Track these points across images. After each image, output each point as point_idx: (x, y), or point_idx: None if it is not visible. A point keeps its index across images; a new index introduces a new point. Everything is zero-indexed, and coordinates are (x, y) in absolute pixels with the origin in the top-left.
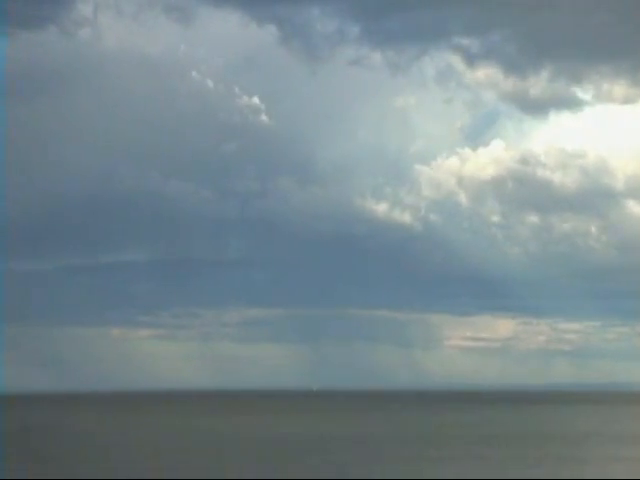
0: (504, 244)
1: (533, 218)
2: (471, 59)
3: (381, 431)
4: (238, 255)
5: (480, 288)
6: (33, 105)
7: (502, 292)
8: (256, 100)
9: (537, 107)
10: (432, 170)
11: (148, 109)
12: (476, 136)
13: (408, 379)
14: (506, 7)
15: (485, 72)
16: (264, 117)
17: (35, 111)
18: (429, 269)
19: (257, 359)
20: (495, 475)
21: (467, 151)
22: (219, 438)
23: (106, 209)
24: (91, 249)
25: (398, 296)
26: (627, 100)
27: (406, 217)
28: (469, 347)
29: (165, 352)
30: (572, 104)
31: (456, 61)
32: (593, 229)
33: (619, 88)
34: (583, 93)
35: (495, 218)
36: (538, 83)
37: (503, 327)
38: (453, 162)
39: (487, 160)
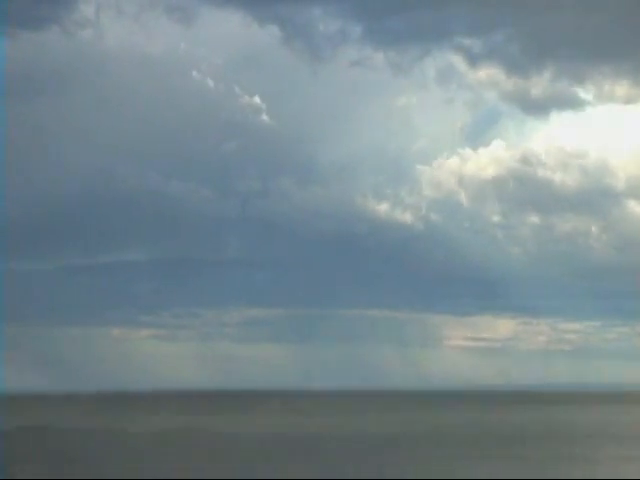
0: (505, 244)
1: (534, 218)
2: (473, 59)
3: (408, 431)
4: (239, 255)
5: (481, 288)
6: (34, 105)
7: (503, 292)
8: (257, 100)
9: (538, 107)
10: (433, 170)
11: (148, 109)
12: (477, 136)
13: (408, 379)
14: (509, 7)
15: (487, 72)
16: (265, 117)
17: (35, 111)
18: (430, 269)
19: (258, 359)
20: (533, 475)
21: (468, 151)
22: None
23: (107, 209)
24: (91, 249)
25: (399, 296)
26: (629, 100)
27: (407, 217)
28: (469, 347)
29: (166, 352)
30: (573, 104)
31: (458, 61)
32: (594, 229)
33: (621, 88)
34: (585, 93)
35: (496, 218)
36: (540, 83)
37: (503, 327)
38: (454, 162)
39: (488, 160)
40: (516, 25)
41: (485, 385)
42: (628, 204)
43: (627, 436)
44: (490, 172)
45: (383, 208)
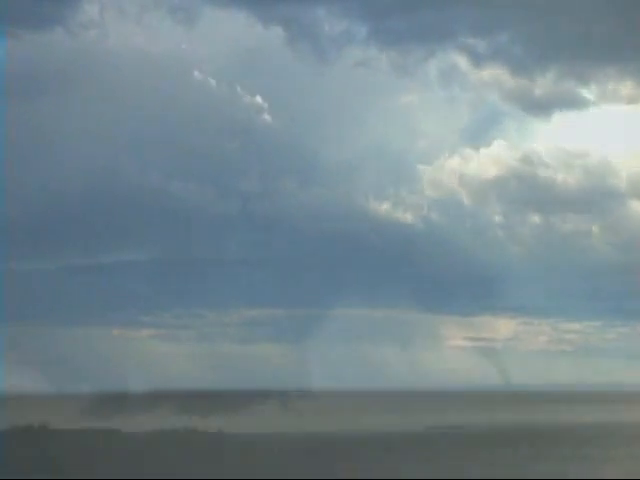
0: (506, 243)
1: (535, 218)
2: (477, 59)
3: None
4: (240, 255)
5: (481, 288)
6: (36, 104)
7: (503, 292)
8: (259, 99)
9: (541, 107)
10: (434, 170)
11: (150, 108)
12: (479, 136)
13: (409, 379)
14: (513, 8)
15: (490, 72)
16: (267, 116)
17: (37, 110)
18: (431, 269)
19: (259, 359)
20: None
21: (469, 151)
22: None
23: (108, 209)
24: (92, 249)
25: (399, 296)
26: (632, 100)
27: (408, 216)
28: (470, 347)
29: (166, 352)
30: (576, 104)
31: (462, 61)
32: (595, 229)
33: (625, 88)
34: (588, 93)
35: (497, 218)
36: (543, 83)
37: (504, 327)
38: (455, 162)
39: (489, 160)
40: (520, 26)
41: (485, 385)
42: (630, 204)
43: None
44: (491, 172)
45: (384, 208)
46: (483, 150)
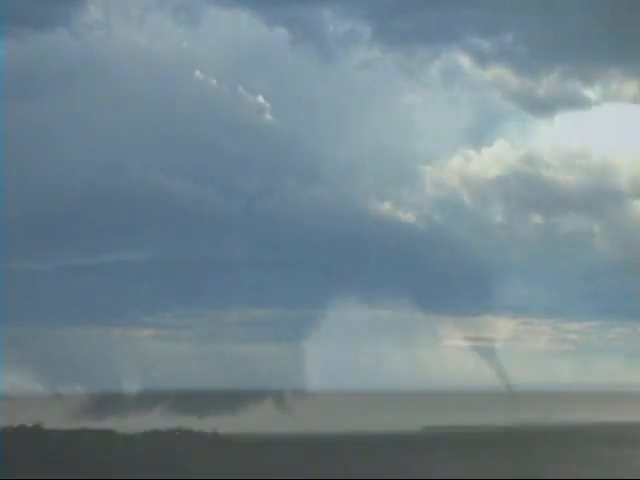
0: (507, 243)
1: (537, 218)
2: (481, 60)
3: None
4: (242, 255)
5: (482, 288)
6: (38, 104)
7: (504, 292)
8: (261, 99)
9: (543, 107)
10: (436, 170)
11: (151, 108)
12: (480, 136)
13: (408, 379)
14: (519, 8)
15: (493, 72)
16: (269, 116)
17: (39, 110)
18: (432, 268)
19: (259, 359)
20: None
21: (471, 151)
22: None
23: (109, 208)
24: (93, 249)
25: (400, 296)
26: (636, 100)
27: (409, 216)
28: (470, 347)
29: (167, 352)
30: (579, 104)
31: (466, 62)
32: (597, 229)
33: (628, 88)
34: (591, 93)
35: (498, 218)
36: (546, 83)
37: (504, 327)
38: (457, 162)
39: (491, 160)
40: (525, 26)
41: (485, 385)
42: (632, 204)
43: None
44: (493, 172)
45: (385, 208)
46: (485, 150)
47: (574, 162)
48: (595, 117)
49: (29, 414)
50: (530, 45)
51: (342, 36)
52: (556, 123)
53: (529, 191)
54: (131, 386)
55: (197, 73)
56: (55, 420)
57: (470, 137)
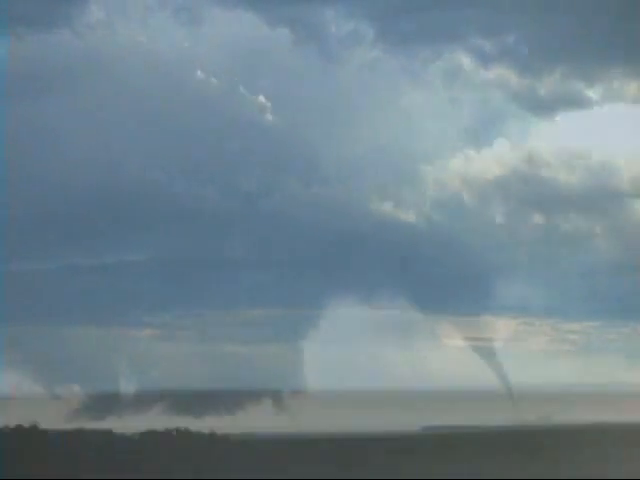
0: (508, 243)
1: (537, 218)
2: (483, 60)
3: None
4: (242, 255)
5: (482, 288)
6: (38, 104)
7: (504, 292)
8: (262, 99)
9: (544, 107)
10: (437, 170)
11: (153, 108)
12: (482, 136)
13: (408, 379)
14: (520, 9)
15: (495, 73)
16: (270, 116)
17: (40, 110)
18: (432, 268)
19: (258, 359)
20: None
21: (472, 151)
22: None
23: (109, 208)
24: (93, 249)
25: (401, 295)
26: (636, 100)
27: (410, 216)
28: (470, 347)
29: (168, 352)
30: (580, 104)
31: (467, 62)
32: (598, 229)
33: (630, 88)
34: (592, 93)
35: (499, 218)
36: (547, 83)
37: (504, 327)
38: (458, 162)
39: (492, 160)
40: (527, 27)
41: (485, 385)
42: (633, 204)
43: None
44: (494, 172)
45: (386, 208)
46: (486, 150)
47: (575, 162)
48: (596, 117)
49: (28, 414)
50: (532, 45)
51: (344, 37)
52: (557, 123)
53: (530, 191)
54: (129, 386)
55: (198, 73)
56: (53, 420)
57: (471, 137)
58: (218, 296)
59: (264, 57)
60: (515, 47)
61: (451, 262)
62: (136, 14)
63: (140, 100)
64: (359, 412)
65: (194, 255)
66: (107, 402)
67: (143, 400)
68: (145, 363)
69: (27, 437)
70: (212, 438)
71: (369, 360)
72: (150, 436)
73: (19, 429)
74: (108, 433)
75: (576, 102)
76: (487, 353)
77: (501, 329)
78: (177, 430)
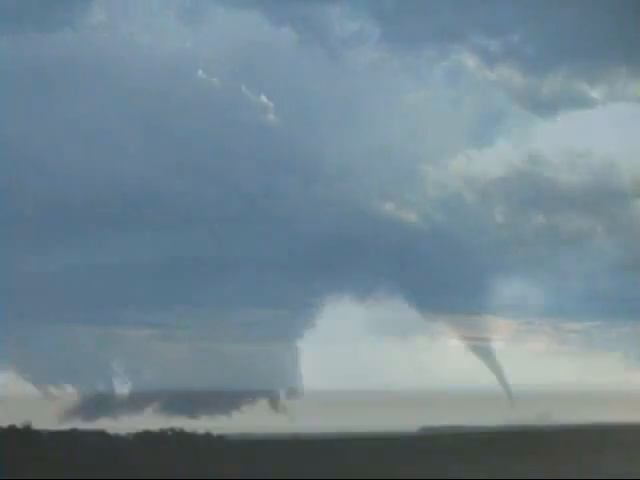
0: (510, 243)
1: (539, 218)
2: (487, 59)
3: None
4: (243, 255)
5: (484, 288)
6: (40, 104)
7: (505, 292)
8: (264, 99)
9: (547, 106)
10: (438, 169)
11: (154, 108)
12: (483, 136)
13: (407, 379)
14: (526, 8)
15: (498, 72)
16: (272, 116)
17: (41, 109)
18: (433, 268)
19: (258, 359)
20: None
21: (473, 151)
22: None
23: (109, 208)
24: (92, 248)
25: (401, 295)
26: (639, 99)
27: (411, 216)
28: (471, 347)
29: (168, 352)
30: (582, 103)
31: (471, 61)
32: (599, 229)
33: (632, 87)
34: (594, 92)
35: (501, 218)
36: (549, 83)
37: (504, 327)
38: (460, 162)
39: (494, 160)
40: (532, 26)
41: (484, 385)
42: (635, 204)
43: None
44: (496, 172)
45: (388, 208)
46: (487, 150)
47: (577, 162)
48: (599, 117)
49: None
50: (536, 45)
51: (349, 36)
52: (559, 123)
53: (531, 191)
54: (123, 386)
55: (200, 72)
56: (46, 420)
57: (473, 137)
58: (214, 296)
59: (267, 57)
60: (520, 47)
61: (451, 261)
62: (138, 14)
63: (141, 100)
64: (356, 412)
65: (193, 255)
66: (101, 402)
67: (138, 400)
68: (139, 363)
69: (20, 437)
70: (208, 438)
71: (369, 359)
72: (145, 436)
73: (12, 429)
74: (102, 434)
75: (579, 102)
76: (487, 353)
77: (501, 329)
78: (172, 430)
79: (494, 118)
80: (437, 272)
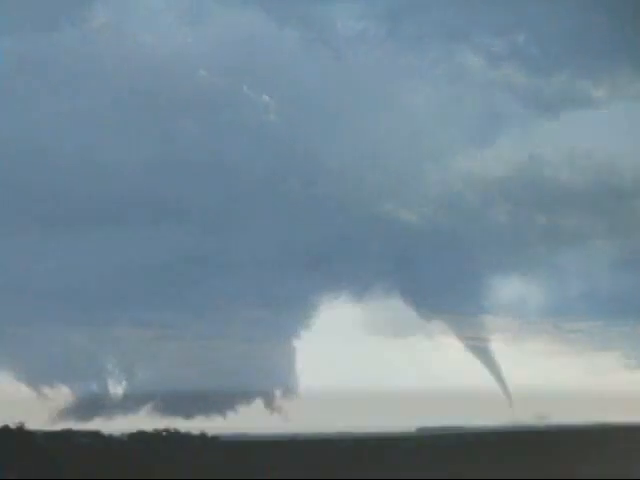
0: (509, 243)
1: (540, 217)
2: (490, 59)
3: None
4: (240, 254)
5: (484, 288)
6: (40, 104)
7: (505, 291)
8: (265, 98)
9: (550, 106)
10: (439, 169)
11: (154, 108)
12: (485, 135)
13: (407, 379)
14: (529, 8)
15: (500, 72)
16: (273, 116)
17: (42, 109)
18: (435, 269)
19: (253, 359)
20: None
21: (475, 150)
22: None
23: (110, 208)
24: (91, 248)
25: (402, 295)
26: None
27: (412, 216)
28: (471, 347)
29: (157, 352)
30: (586, 103)
31: (474, 61)
32: (600, 229)
33: (635, 87)
34: (597, 92)
35: (502, 217)
36: (552, 82)
37: (504, 327)
38: (461, 161)
39: (495, 159)
40: (535, 26)
41: (484, 386)
42: (636, 204)
43: None
44: (497, 171)
45: (388, 207)
46: (489, 149)
47: (579, 162)
48: (602, 116)
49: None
50: (539, 45)
51: (352, 36)
52: (562, 122)
53: (532, 191)
54: (117, 386)
55: (201, 72)
56: (40, 421)
57: (474, 136)
58: (209, 295)
59: (269, 56)
60: (523, 47)
61: (452, 261)
62: (140, 12)
63: (142, 99)
64: (353, 412)
65: (190, 255)
66: (95, 402)
67: (132, 400)
68: (134, 363)
69: (14, 438)
70: (203, 439)
71: (369, 359)
72: (139, 437)
73: (5, 430)
74: (96, 434)
75: (582, 101)
76: (486, 353)
77: (501, 329)
78: (167, 431)
79: (496, 118)
80: (437, 271)
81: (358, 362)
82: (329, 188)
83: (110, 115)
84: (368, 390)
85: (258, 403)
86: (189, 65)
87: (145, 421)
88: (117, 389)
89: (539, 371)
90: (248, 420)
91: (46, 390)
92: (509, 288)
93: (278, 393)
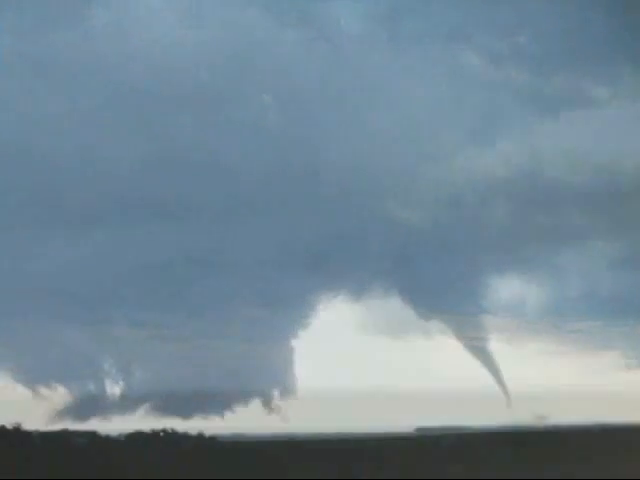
0: (510, 243)
1: (540, 217)
2: (491, 59)
3: None
4: (238, 254)
5: (484, 287)
6: (41, 103)
7: (505, 291)
8: (266, 98)
9: (550, 106)
10: (440, 169)
11: (154, 107)
12: (485, 135)
13: (407, 379)
14: (532, 8)
15: (501, 71)
16: (273, 115)
17: (43, 109)
18: (434, 268)
19: (251, 359)
20: None
21: (476, 150)
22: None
23: (108, 207)
24: (89, 247)
25: (402, 295)
26: None
27: (412, 216)
28: (470, 347)
29: (155, 352)
30: (586, 103)
31: (476, 61)
32: (600, 229)
33: (636, 87)
34: (598, 91)
35: (502, 217)
36: (552, 82)
37: (504, 327)
38: (462, 161)
39: (496, 159)
40: (537, 26)
41: (483, 386)
42: (636, 204)
43: None
44: (497, 171)
45: (388, 207)
46: (489, 149)
47: (579, 161)
48: (602, 116)
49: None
50: (540, 45)
51: (353, 35)
52: (562, 122)
53: (532, 190)
54: (114, 386)
55: (201, 71)
56: (36, 421)
57: (475, 136)
58: (207, 295)
59: (270, 55)
60: (524, 47)
61: (451, 261)
62: (140, 13)
63: (142, 98)
64: (351, 412)
65: (188, 254)
66: (92, 403)
67: (129, 400)
68: (131, 363)
69: (10, 438)
70: (200, 439)
71: (369, 359)
72: (137, 437)
73: (2, 430)
74: (93, 434)
75: (582, 101)
76: (486, 353)
77: (500, 328)
78: (164, 431)
79: (496, 118)
80: (436, 271)
81: (356, 362)
82: (328, 188)
83: (110, 115)
84: (366, 390)
85: (256, 403)
86: (189, 65)
87: (142, 421)
88: (114, 389)
89: (538, 371)
90: (246, 420)
91: (43, 390)
92: (508, 288)
93: (276, 393)
